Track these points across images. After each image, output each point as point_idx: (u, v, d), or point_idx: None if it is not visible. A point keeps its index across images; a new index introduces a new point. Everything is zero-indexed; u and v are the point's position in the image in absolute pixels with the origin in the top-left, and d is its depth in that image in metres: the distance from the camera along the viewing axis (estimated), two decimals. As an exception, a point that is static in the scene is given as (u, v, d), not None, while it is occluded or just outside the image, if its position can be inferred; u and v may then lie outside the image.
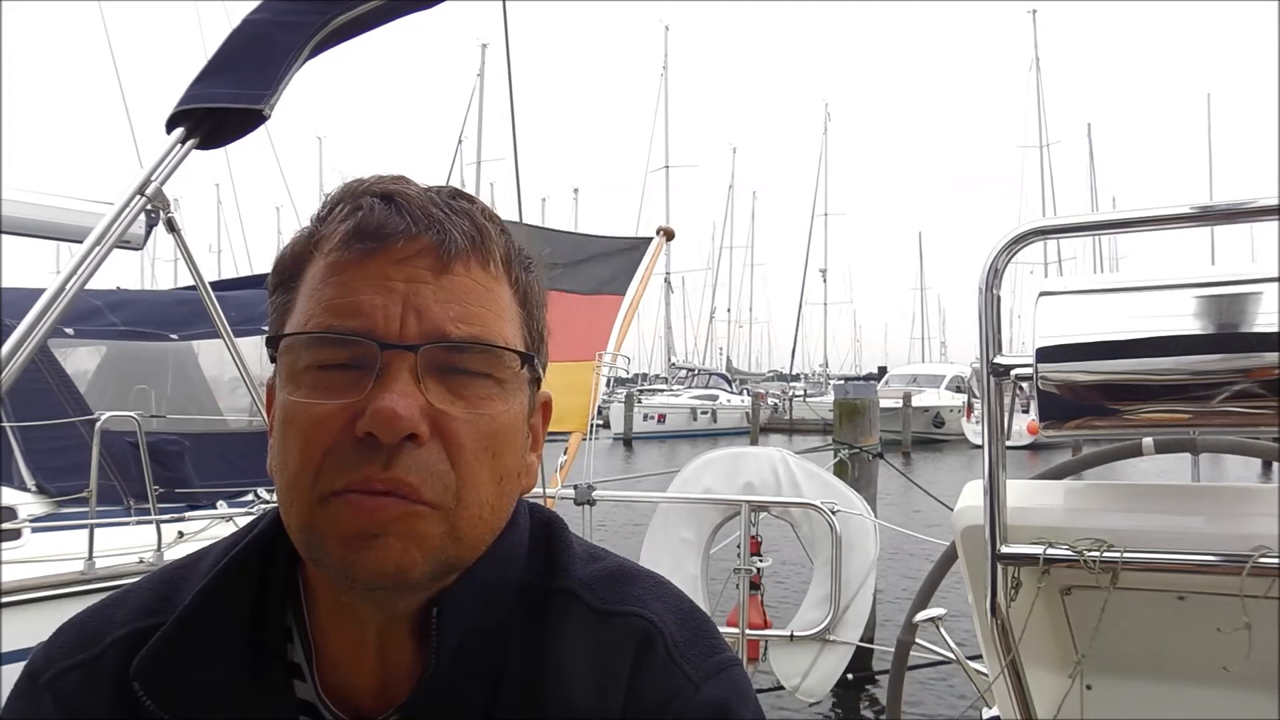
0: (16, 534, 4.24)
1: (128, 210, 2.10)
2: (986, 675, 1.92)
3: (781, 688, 4.70)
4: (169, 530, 4.34)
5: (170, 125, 2.13)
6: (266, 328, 0.71)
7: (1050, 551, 1.55)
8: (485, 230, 0.69)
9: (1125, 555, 1.51)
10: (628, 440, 31.92)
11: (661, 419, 35.11)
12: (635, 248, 5.79)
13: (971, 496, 1.68)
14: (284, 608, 0.71)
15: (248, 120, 2.14)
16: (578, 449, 4.89)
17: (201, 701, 0.68)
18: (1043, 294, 1.59)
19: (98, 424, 4.26)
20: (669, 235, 5.95)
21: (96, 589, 3.69)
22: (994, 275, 1.59)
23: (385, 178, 0.69)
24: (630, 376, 37.04)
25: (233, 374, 5.52)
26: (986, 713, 2.10)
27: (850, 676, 5.00)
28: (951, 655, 2.34)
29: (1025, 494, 1.68)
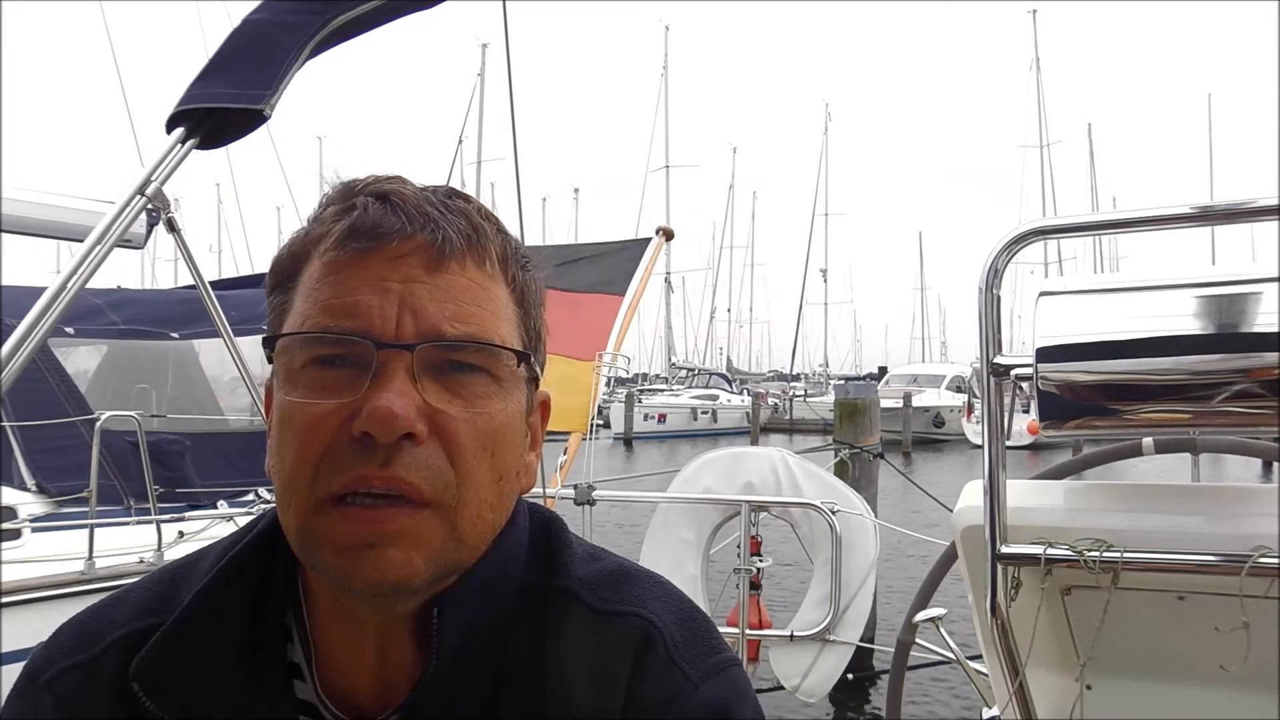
0: (16, 534, 4.24)
1: (128, 210, 2.10)
2: (986, 675, 1.92)
3: (781, 688, 4.69)
4: (169, 530, 4.34)
5: (170, 125, 2.12)
6: (266, 327, 0.71)
7: (1050, 551, 1.55)
8: (481, 229, 0.68)
9: (1125, 555, 1.51)
10: (628, 440, 31.91)
11: (662, 419, 35.10)
12: (634, 248, 5.79)
13: (971, 496, 1.68)
14: (284, 608, 0.71)
15: (248, 120, 2.14)
16: (577, 449, 4.89)
17: (201, 701, 0.68)
18: (1043, 294, 1.58)
19: (98, 423, 4.26)
20: (668, 235, 5.94)
21: (96, 589, 3.69)
22: (994, 275, 1.59)
23: (381, 177, 0.69)
24: (630, 376, 37.10)
25: (233, 373, 5.51)
26: (986, 713, 2.10)
27: (850, 676, 4.99)
28: (951, 655, 2.33)
29: (1025, 494, 1.68)
